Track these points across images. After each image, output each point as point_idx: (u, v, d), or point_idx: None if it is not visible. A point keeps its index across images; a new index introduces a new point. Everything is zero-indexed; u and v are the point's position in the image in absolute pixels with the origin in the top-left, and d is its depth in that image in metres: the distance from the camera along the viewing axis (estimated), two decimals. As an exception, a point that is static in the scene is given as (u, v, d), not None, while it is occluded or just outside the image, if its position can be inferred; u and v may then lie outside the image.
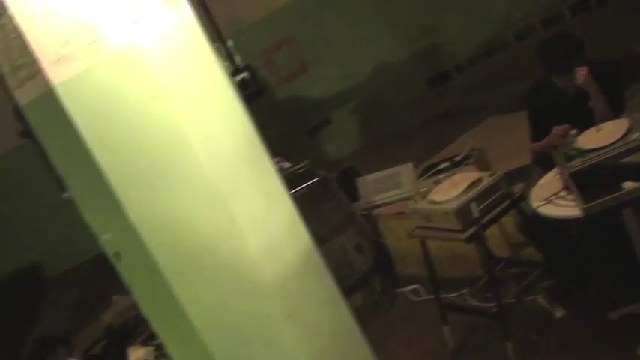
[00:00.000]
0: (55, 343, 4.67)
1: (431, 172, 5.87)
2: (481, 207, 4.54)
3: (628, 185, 3.67)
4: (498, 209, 4.64)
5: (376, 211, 6.52)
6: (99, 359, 5.14)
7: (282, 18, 10.15)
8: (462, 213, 4.51)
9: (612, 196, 3.72)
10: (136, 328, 5.69)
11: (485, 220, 4.57)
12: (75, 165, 2.75)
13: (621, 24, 8.04)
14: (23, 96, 2.74)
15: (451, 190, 4.67)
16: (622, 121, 4.22)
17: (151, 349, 5.03)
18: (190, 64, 2.79)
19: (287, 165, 6.25)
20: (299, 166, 6.19)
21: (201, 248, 2.74)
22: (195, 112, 2.74)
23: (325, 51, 10.27)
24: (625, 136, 4.05)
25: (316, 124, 10.47)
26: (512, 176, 5.19)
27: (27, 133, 3.23)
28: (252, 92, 7.26)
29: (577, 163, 4.09)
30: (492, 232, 5.03)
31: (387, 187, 6.50)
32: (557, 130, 4.49)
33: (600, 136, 4.20)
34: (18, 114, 2.98)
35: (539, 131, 4.82)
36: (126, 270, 2.88)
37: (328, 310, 3.06)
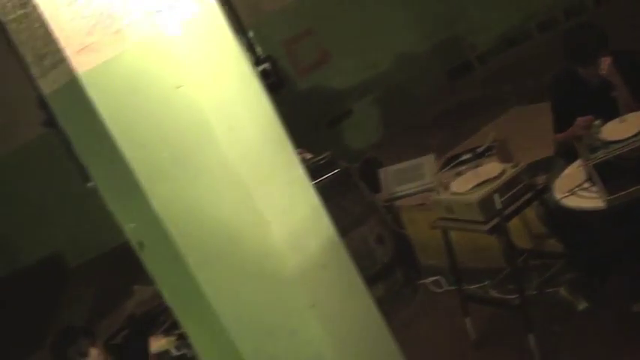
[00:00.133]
0: (77, 333, 4.67)
1: (453, 163, 5.84)
2: (504, 198, 4.52)
3: (653, 176, 3.65)
4: (521, 201, 4.62)
5: (398, 203, 6.51)
6: (120, 349, 5.15)
7: (303, 8, 10.13)
8: (485, 204, 4.50)
9: (636, 187, 3.70)
10: (158, 318, 5.71)
11: (507, 211, 4.55)
12: (99, 154, 2.75)
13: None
14: (47, 85, 2.74)
15: (474, 181, 4.66)
16: (646, 111, 4.20)
17: (172, 338, 5.04)
18: (214, 54, 2.79)
19: (309, 156, 6.24)
20: (321, 157, 6.19)
21: (225, 238, 2.74)
22: (219, 101, 2.73)
23: (346, 42, 10.24)
24: (650, 127, 4.03)
25: (337, 115, 10.45)
26: (535, 168, 5.17)
27: (50, 122, 3.24)
28: (274, 83, 7.26)
29: (601, 155, 4.06)
30: (514, 223, 5.01)
31: (409, 178, 6.49)
32: (580, 120, 4.46)
33: (624, 127, 4.17)
34: (42, 103, 2.99)
35: (562, 122, 4.79)
36: (149, 259, 2.88)
37: (352, 301, 3.05)
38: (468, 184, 4.69)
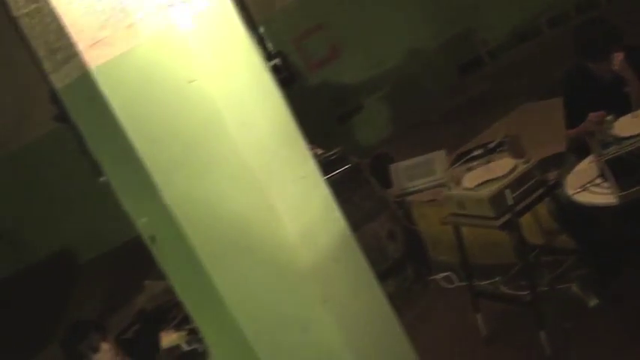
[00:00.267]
0: (89, 327, 4.68)
1: (464, 159, 5.82)
2: (515, 194, 4.51)
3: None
4: (533, 196, 4.61)
5: (409, 198, 6.50)
6: (131, 343, 5.16)
7: (313, 4, 10.13)
8: (496, 200, 4.49)
9: (649, 183, 3.69)
10: (169, 313, 5.72)
11: (519, 207, 4.54)
12: (111, 149, 2.75)
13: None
14: (59, 80, 2.75)
15: (485, 177, 4.65)
16: (659, 107, 4.18)
17: (183, 333, 5.04)
18: (227, 48, 2.78)
19: (320, 151, 6.24)
20: (331, 153, 6.18)
21: (238, 232, 2.74)
22: (231, 96, 2.73)
23: (357, 37, 10.24)
24: (662, 122, 4.02)
25: (348, 111, 10.44)
26: (547, 163, 5.15)
27: (62, 117, 3.24)
28: (284, 79, 7.25)
29: (613, 150, 4.05)
30: (526, 219, 4.99)
31: (420, 174, 6.48)
32: (592, 116, 4.45)
33: (637, 123, 4.16)
34: (53, 98, 2.99)
35: (574, 118, 4.78)
36: (161, 254, 2.88)
37: (364, 296, 3.05)
38: (479, 179, 4.68)
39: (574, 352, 4.57)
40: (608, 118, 4.29)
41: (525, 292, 4.96)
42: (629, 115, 4.29)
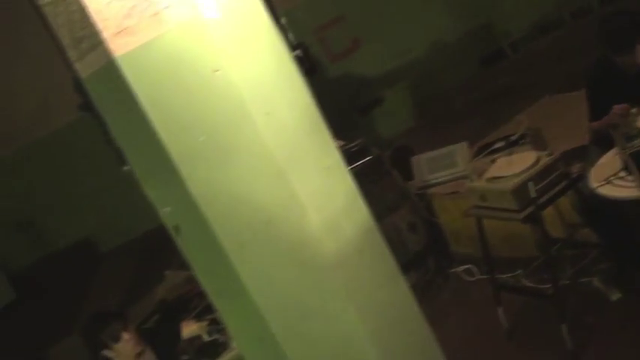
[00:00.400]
0: (110, 317, 4.70)
1: (486, 151, 5.81)
2: (538, 187, 4.49)
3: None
4: (556, 189, 4.58)
5: (430, 190, 6.48)
6: (152, 333, 5.17)
7: (334, -5, 10.14)
8: (519, 192, 4.46)
9: (674, 176, 3.66)
10: (189, 303, 5.73)
11: (542, 200, 4.51)
12: (135, 138, 2.75)
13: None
14: (84, 68, 2.74)
15: (508, 169, 4.63)
16: (685, 100, 4.15)
17: (204, 324, 5.05)
18: (252, 37, 2.77)
19: (341, 143, 6.23)
20: (353, 144, 6.18)
21: (262, 222, 2.73)
22: (256, 85, 2.72)
23: (378, 29, 10.23)
24: (688, 115, 3.98)
25: (369, 103, 10.44)
26: (570, 156, 5.13)
27: (87, 106, 3.24)
28: (305, 70, 7.24)
29: (637, 143, 4.02)
30: (548, 212, 4.97)
31: (442, 166, 6.46)
32: (616, 108, 4.41)
33: (662, 116, 4.13)
34: (78, 87, 2.99)
35: (598, 110, 4.74)
36: (185, 243, 2.88)
37: (388, 287, 3.04)
38: (502, 171, 4.65)
39: (595, 346, 4.55)
40: (633, 110, 4.26)
41: (547, 286, 4.95)
42: (655, 107, 4.26)
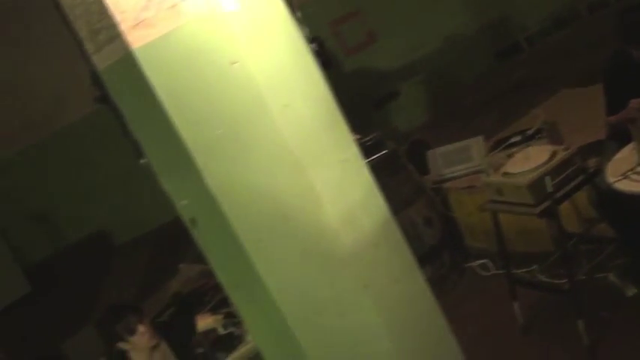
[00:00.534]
0: (126, 310, 4.70)
1: (502, 145, 5.78)
2: (555, 181, 4.46)
3: None
4: (572, 184, 4.55)
5: (446, 185, 6.47)
6: (167, 326, 5.17)
7: (349, -11, 10.13)
8: (535, 187, 4.44)
9: (693, 171, 3.64)
10: (204, 296, 5.74)
11: (558, 194, 4.49)
12: (153, 131, 2.75)
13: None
14: (101, 61, 2.75)
15: (524, 163, 4.61)
16: None
17: (219, 317, 5.05)
18: (269, 30, 2.77)
19: (356, 137, 6.22)
20: (368, 138, 6.16)
21: (279, 215, 2.73)
22: (274, 78, 2.71)
23: (393, 22, 10.21)
24: None
25: (384, 97, 10.42)
26: (586, 151, 5.10)
27: (103, 98, 3.24)
28: (321, 64, 7.23)
29: (655, 138, 4.01)
30: (565, 207, 4.95)
31: (457, 160, 6.44)
32: (634, 103, 4.39)
33: (680, 110, 4.11)
34: (95, 79, 2.99)
35: (615, 104, 4.72)
36: (202, 236, 2.88)
37: (405, 281, 3.03)
38: (518, 165, 4.64)
39: (611, 342, 4.53)
40: (650, 105, 4.24)
41: (563, 281, 4.94)
42: (673, 102, 4.24)
